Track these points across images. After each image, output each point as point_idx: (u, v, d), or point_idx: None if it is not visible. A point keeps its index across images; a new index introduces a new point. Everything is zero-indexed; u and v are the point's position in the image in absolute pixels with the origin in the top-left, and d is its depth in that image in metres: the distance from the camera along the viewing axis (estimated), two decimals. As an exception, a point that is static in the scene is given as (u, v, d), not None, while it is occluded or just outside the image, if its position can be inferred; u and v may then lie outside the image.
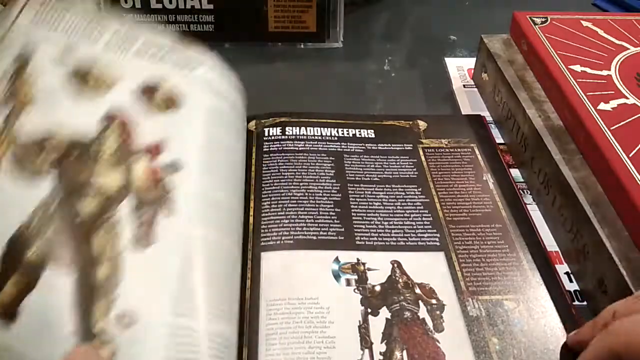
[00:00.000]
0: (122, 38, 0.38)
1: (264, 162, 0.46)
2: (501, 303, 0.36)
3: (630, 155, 0.38)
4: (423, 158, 0.47)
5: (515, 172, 0.47)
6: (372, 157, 0.47)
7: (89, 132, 0.33)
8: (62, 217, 0.30)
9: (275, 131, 0.49)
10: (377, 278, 0.38)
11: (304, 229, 0.40)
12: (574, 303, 0.37)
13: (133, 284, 0.29)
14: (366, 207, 0.43)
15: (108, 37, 0.38)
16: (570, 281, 0.39)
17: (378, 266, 0.38)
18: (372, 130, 0.50)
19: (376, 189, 0.44)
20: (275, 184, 0.44)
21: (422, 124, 0.51)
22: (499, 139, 0.51)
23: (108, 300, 0.28)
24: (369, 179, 0.45)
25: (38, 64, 0.35)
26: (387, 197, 0.43)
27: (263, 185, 0.44)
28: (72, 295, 0.28)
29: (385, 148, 0.48)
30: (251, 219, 0.41)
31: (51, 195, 0.31)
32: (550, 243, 0.41)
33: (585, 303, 0.38)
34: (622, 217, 0.36)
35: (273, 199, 0.43)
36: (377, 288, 0.37)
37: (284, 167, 0.45)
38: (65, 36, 0.37)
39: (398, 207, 0.43)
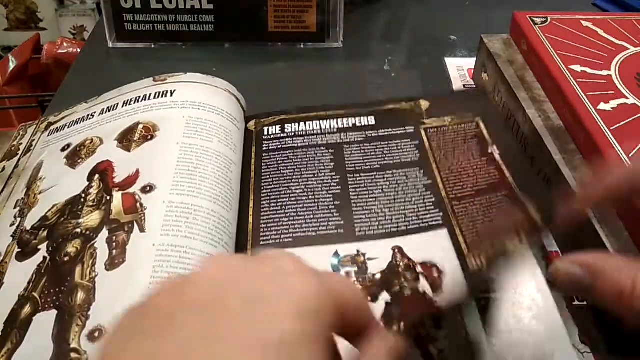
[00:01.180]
0: (109, 107, 0.48)
1: (263, 161, 0.46)
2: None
3: (630, 156, 0.37)
4: (425, 139, 0.46)
5: (515, 172, 0.47)
6: (372, 144, 0.46)
7: (78, 190, 0.41)
8: (52, 265, 0.36)
9: (275, 129, 0.49)
10: (377, 266, 0.37)
11: (303, 225, 0.40)
12: (574, 303, 0.37)
13: (103, 302, 0.33)
14: (366, 196, 0.42)
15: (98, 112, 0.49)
16: (570, 281, 0.39)
17: (378, 254, 0.38)
18: (373, 117, 0.49)
19: (377, 177, 0.43)
20: (275, 183, 0.44)
21: (425, 104, 0.50)
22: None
23: (82, 321, 0.32)
24: (369, 167, 0.44)
25: (46, 170, 0.45)
26: (387, 183, 0.43)
27: (262, 184, 0.44)
28: (53, 328, 0.32)
29: (386, 133, 0.47)
30: (250, 218, 0.41)
31: (43, 260, 0.36)
32: (550, 243, 0.41)
33: (585, 303, 0.38)
34: (622, 216, 0.36)
35: (272, 197, 0.42)
36: (378, 276, 0.36)
37: (283, 165, 0.45)
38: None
39: (399, 192, 0.42)
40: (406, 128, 0.48)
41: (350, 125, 0.49)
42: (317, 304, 0.19)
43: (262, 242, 0.39)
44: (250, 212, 0.41)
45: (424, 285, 0.35)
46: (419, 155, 0.45)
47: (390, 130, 0.48)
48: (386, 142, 0.47)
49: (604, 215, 0.37)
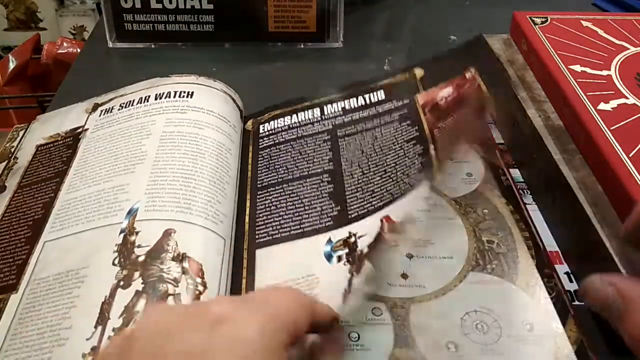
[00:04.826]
0: None
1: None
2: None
3: (630, 155, 0.38)
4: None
5: (515, 172, 0.47)
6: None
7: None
8: None
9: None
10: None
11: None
12: (573, 303, 0.37)
13: None
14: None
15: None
16: (570, 281, 0.39)
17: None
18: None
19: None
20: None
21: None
22: (499, 139, 0.51)
23: None
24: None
25: None
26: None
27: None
28: None
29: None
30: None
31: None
32: (550, 243, 0.41)
33: (585, 303, 0.38)
34: (622, 217, 0.36)
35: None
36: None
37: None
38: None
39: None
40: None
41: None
42: (261, 344, 0.20)
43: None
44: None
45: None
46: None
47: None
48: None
49: (604, 215, 0.37)
